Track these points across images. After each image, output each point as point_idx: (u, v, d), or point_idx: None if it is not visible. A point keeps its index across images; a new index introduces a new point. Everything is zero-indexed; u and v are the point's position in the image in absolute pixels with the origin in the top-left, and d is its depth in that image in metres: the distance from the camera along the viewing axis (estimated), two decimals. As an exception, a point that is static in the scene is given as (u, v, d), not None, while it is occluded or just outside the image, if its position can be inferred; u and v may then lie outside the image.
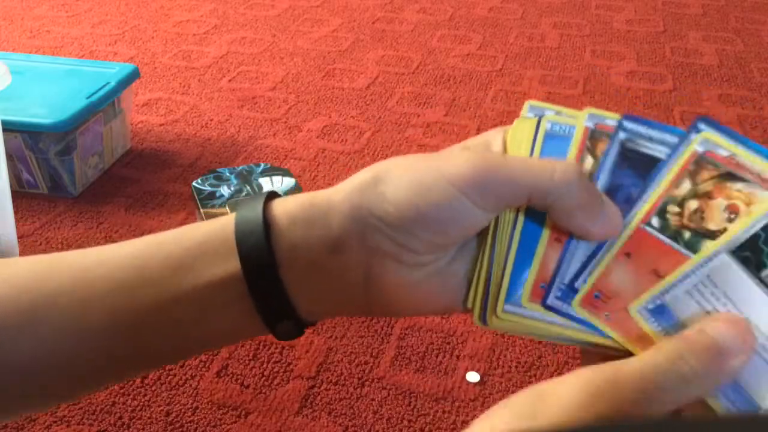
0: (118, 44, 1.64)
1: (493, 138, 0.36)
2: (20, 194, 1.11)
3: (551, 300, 0.33)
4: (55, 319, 0.34)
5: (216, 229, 0.35)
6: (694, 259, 0.31)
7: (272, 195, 0.36)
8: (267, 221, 0.34)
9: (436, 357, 0.82)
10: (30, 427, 0.73)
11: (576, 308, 0.33)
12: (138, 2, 1.88)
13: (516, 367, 0.81)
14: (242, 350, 0.83)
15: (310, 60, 1.58)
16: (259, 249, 0.33)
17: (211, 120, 1.33)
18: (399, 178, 0.33)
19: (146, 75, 1.49)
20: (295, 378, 0.79)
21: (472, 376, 0.79)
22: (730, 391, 0.30)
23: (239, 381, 0.79)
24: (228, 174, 1.13)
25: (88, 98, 1.09)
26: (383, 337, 0.85)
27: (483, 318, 0.34)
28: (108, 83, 1.14)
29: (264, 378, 0.79)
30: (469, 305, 0.34)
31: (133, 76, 1.19)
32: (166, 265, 0.34)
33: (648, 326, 0.31)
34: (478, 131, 1.31)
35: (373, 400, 0.77)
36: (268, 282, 0.33)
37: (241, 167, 1.15)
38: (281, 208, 0.35)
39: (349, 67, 1.56)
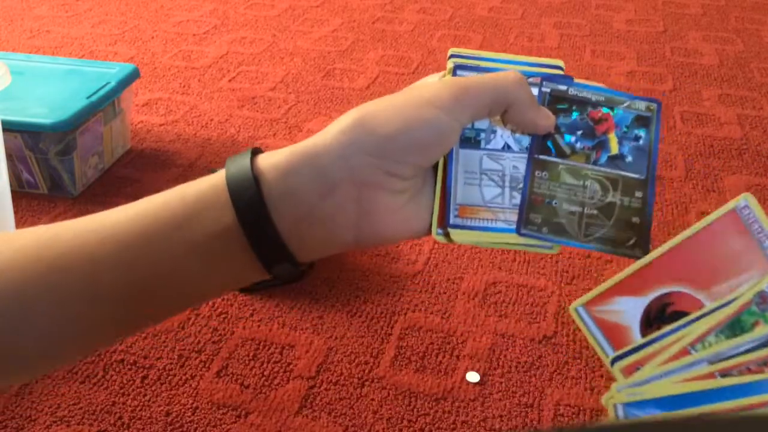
0: (118, 44, 1.64)
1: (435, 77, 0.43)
2: (20, 194, 1.11)
3: (453, 220, 0.40)
4: (68, 282, 0.36)
5: (209, 186, 0.38)
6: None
7: (256, 151, 0.40)
8: (255, 175, 0.37)
9: (436, 357, 0.82)
10: (30, 427, 0.73)
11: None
12: (138, 2, 1.88)
13: (516, 367, 0.81)
14: (242, 350, 0.83)
15: (310, 60, 1.58)
16: (252, 201, 0.36)
17: (211, 120, 1.33)
18: (385, 113, 0.38)
19: (146, 75, 1.49)
20: (295, 378, 0.79)
21: (472, 376, 0.79)
22: None
23: (239, 381, 0.79)
24: (228, 174, 1.13)
25: (88, 98, 1.09)
26: (383, 337, 0.85)
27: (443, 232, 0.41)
28: (108, 83, 1.14)
29: (264, 378, 0.79)
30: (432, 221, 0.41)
31: (133, 76, 1.19)
32: (169, 222, 0.37)
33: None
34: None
35: (373, 400, 0.77)
36: (264, 231, 0.37)
37: (241, 167, 1.16)
38: (267, 161, 0.38)
39: (349, 67, 1.56)
